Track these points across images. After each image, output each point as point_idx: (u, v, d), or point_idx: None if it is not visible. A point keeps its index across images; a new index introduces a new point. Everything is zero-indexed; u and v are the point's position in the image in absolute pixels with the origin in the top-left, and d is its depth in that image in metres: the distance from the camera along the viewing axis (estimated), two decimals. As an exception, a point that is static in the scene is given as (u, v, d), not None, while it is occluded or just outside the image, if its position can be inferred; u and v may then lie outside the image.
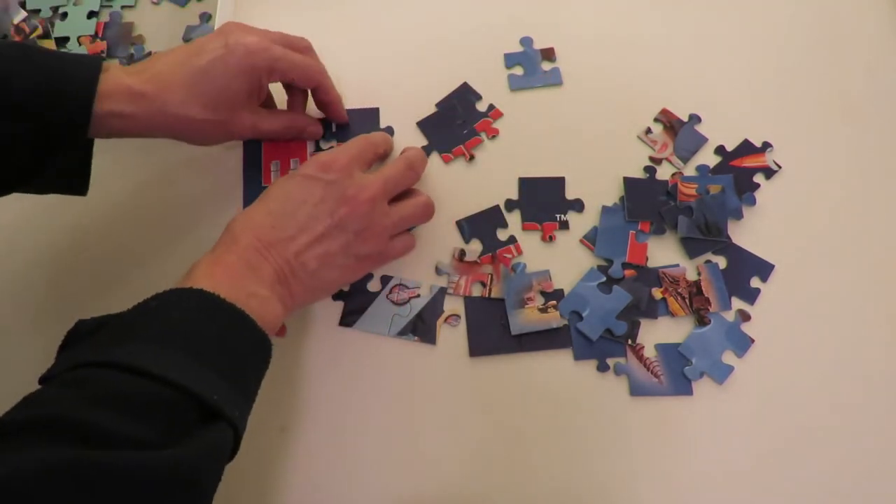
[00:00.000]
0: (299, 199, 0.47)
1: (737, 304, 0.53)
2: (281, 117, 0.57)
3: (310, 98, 0.59)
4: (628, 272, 0.54)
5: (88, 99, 0.45)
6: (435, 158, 0.58)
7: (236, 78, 0.50)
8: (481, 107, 0.60)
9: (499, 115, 0.60)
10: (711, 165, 0.57)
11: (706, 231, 0.55)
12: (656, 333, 0.53)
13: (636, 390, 0.51)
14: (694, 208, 0.55)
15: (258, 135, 0.55)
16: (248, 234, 0.46)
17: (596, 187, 0.57)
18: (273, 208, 0.48)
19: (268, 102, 0.58)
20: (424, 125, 0.60)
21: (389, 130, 0.60)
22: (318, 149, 0.59)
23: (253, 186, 0.58)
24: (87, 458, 0.31)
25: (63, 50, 0.48)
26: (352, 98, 0.61)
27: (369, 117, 0.60)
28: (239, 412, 0.38)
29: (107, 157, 0.55)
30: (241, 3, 0.66)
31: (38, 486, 0.30)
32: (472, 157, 0.58)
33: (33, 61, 0.45)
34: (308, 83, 0.56)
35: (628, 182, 0.57)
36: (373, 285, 0.55)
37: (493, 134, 0.59)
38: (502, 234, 0.56)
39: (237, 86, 0.51)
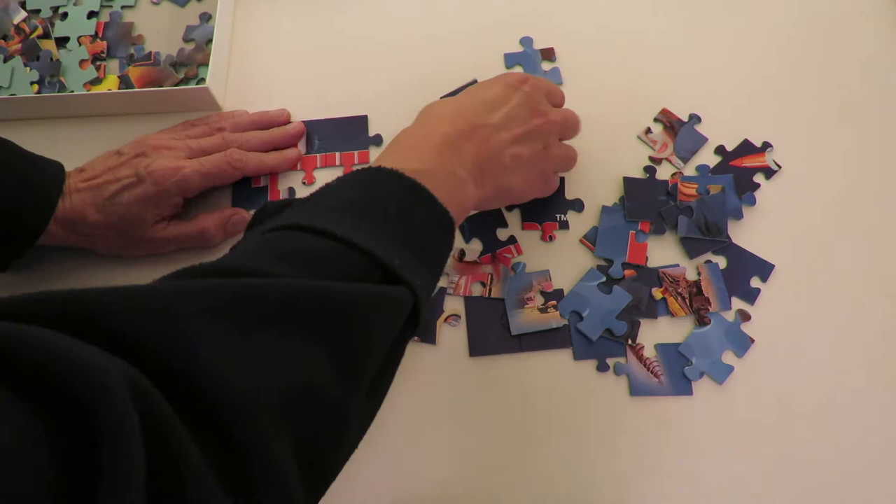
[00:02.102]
0: (499, 100, 0.49)
1: (737, 304, 0.53)
2: (195, 224, 0.56)
3: (309, 99, 0.59)
4: (628, 272, 0.54)
5: (45, 221, 0.50)
6: None
7: (143, 204, 0.52)
8: None
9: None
10: (711, 165, 0.57)
11: (706, 231, 0.55)
12: (656, 333, 0.53)
13: (636, 390, 0.51)
14: (694, 208, 0.55)
15: (172, 245, 0.55)
16: (454, 116, 0.47)
17: (596, 187, 0.57)
18: (476, 101, 0.49)
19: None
20: None
21: (377, 139, 0.60)
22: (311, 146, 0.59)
23: (242, 186, 0.59)
24: (244, 282, 0.31)
25: (32, 153, 0.52)
26: (351, 100, 0.61)
27: (358, 125, 0.60)
28: (420, 281, 0.38)
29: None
30: (241, 3, 0.66)
31: (182, 291, 0.30)
32: None
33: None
34: (230, 181, 0.57)
35: (628, 182, 0.57)
36: (373, 285, 0.55)
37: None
38: (502, 234, 0.56)
39: (144, 211, 0.52)
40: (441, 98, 0.54)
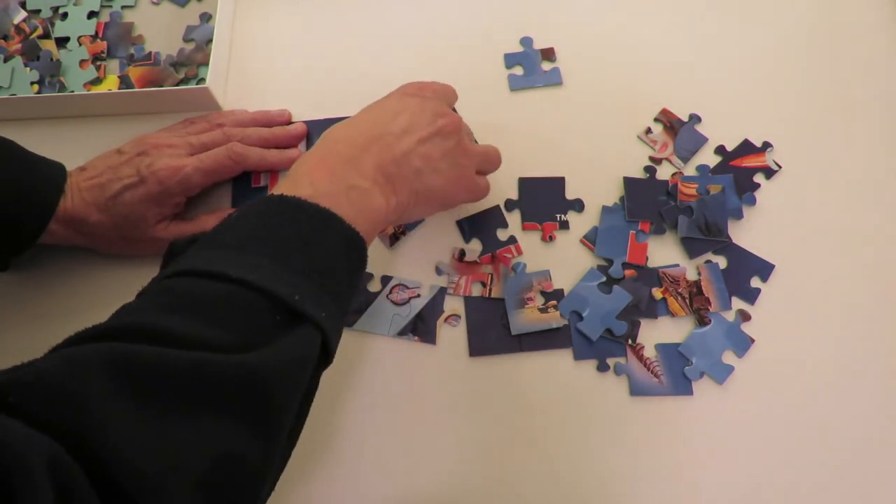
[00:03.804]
0: (398, 109, 0.48)
1: (737, 304, 0.53)
2: (195, 224, 0.56)
3: (309, 99, 0.59)
4: (628, 272, 0.54)
5: (45, 221, 0.50)
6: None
7: (145, 203, 0.52)
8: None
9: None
10: (711, 165, 0.57)
11: (706, 231, 0.55)
12: (656, 333, 0.53)
13: (636, 390, 0.51)
14: (694, 208, 0.55)
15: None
16: (349, 133, 0.46)
17: (596, 187, 0.57)
18: (374, 115, 0.48)
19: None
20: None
21: None
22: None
23: (242, 186, 0.59)
24: (145, 351, 0.31)
25: (32, 152, 0.52)
26: (351, 100, 0.61)
27: None
28: (326, 313, 0.37)
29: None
30: (241, 3, 0.66)
31: (90, 367, 0.30)
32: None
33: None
34: (231, 175, 0.57)
35: (628, 182, 0.57)
36: (373, 285, 0.55)
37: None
38: (502, 234, 0.56)
39: (146, 210, 0.52)
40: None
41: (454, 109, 0.52)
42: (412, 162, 0.46)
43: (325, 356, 0.39)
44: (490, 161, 0.53)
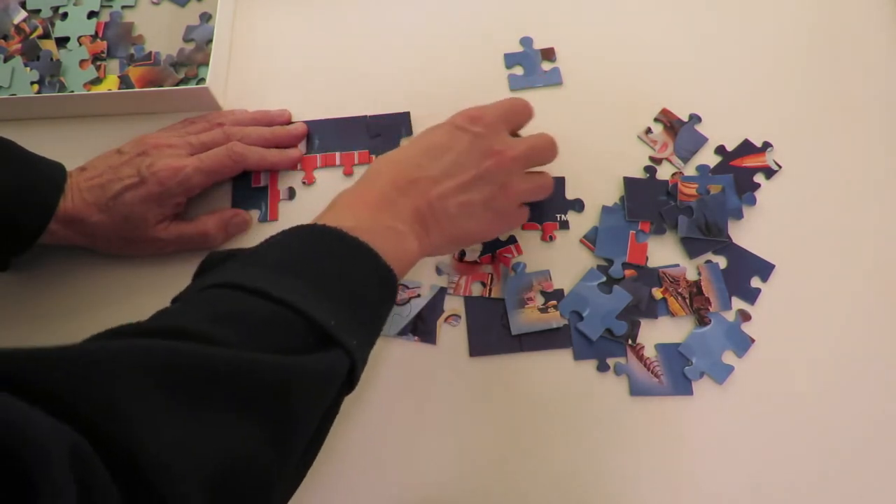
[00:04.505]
0: (446, 146, 0.48)
1: (737, 304, 0.53)
2: (196, 225, 0.56)
3: (306, 99, 0.59)
4: (628, 272, 0.54)
5: (45, 221, 0.50)
6: None
7: (146, 204, 0.52)
8: None
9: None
10: (712, 165, 0.57)
11: (706, 231, 0.55)
12: (656, 333, 0.53)
13: (636, 390, 0.51)
14: (694, 208, 0.55)
15: (173, 245, 0.55)
16: (392, 172, 0.46)
17: (596, 187, 0.57)
18: (419, 151, 0.48)
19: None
20: None
21: (378, 140, 0.60)
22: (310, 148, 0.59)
23: (242, 186, 0.59)
24: (180, 348, 0.31)
25: (31, 152, 0.52)
26: (351, 100, 0.61)
27: (357, 125, 0.60)
28: (357, 341, 0.38)
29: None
30: (241, 3, 0.66)
31: (125, 358, 0.30)
32: None
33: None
34: (232, 174, 0.57)
35: (628, 182, 0.57)
36: (373, 285, 0.55)
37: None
38: (502, 234, 0.56)
39: (146, 211, 0.52)
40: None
41: (517, 133, 0.52)
42: (448, 208, 0.46)
43: (350, 382, 0.39)
44: (539, 194, 0.53)
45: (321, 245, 0.40)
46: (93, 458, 0.26)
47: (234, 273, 0.38)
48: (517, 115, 0.52)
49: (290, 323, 0.36)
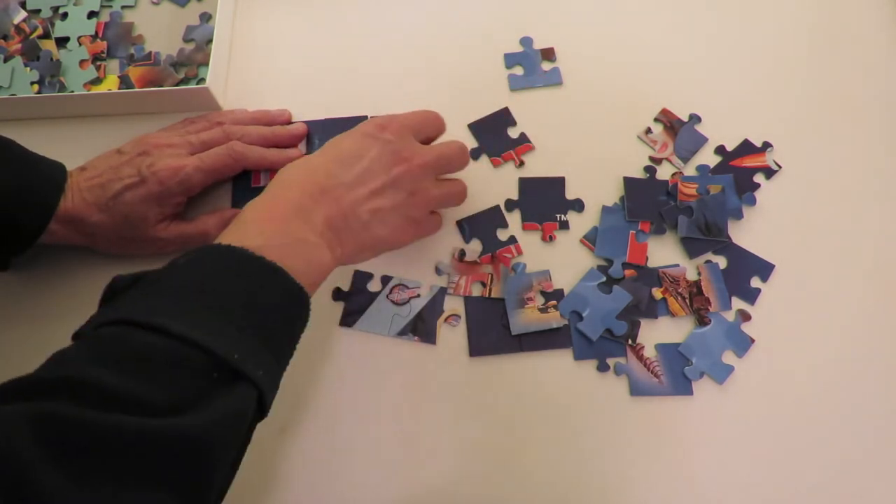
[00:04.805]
0: (356, 153, 0.47)
1: (737, 304, 0.53)
2: (196, 225, 0.56)
3: (306, 100, 0.59)
4: (628, 272, 0.54)
5: (45, 221, 0.50)
6: (484, 161, 0.58)
7: (146, 203, 0.52)
8: (513, 133, 0.59)
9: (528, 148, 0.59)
10: (712, 165, 0.57)
11: (706, 231, 0.55)
12: (656, 333, 0.53)
13: (636, 390, 0.51)
14: (694, 208, 0.55)
15: (173, 245, 0.55)
16: (303, 179, 0.46)
17: (596, 187, 0.57)
18: (329, 159, 0.47)
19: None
20: (476, 128, 0.60)
21: None
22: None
23: (242, 187, 0.59)
24: (76, 415, 0.30)
25: (32, 152, 0.52)
26: (351, 100, 0.61)
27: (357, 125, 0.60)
28: (264, 371, 0.37)
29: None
30: (241, 3, 0.66)
31: (19, 430, 0.29)
32: (521, 163, 0.58)
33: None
34: (232, 173, 0.56)
35: (628, 182, 0.57)
36: (373, 285, 0.55)
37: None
38: (502, 234, 0.56)
39: (147, 210, 0.52)
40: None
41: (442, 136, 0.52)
42: (360, 215, 0.46)
43: (261, 411, 0.39)
44: (452, 200, 0.53)
45: (227, 269, 0.39)
46: None
47: (134, 307, 0.37)
48: (426, 126, 0.52)
49: (192, 361, 0.35)
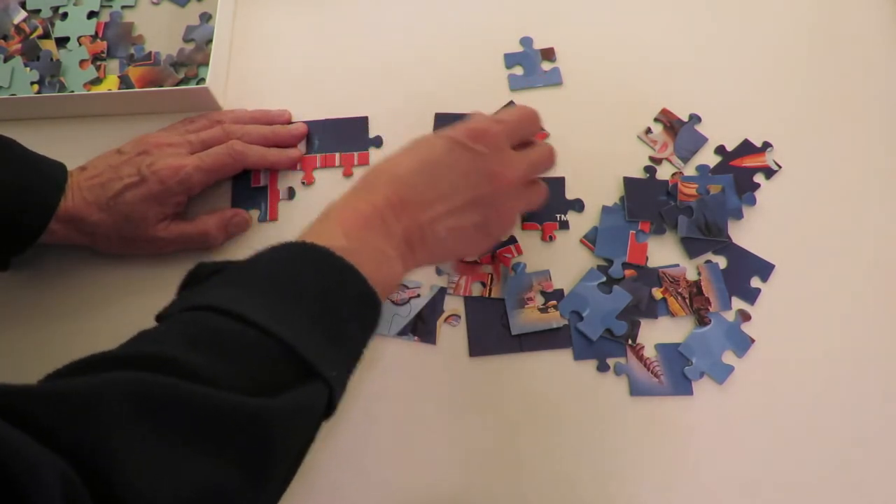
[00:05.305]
0: (444, 164, 0.46)
1: (737, 304, 0.53)
2: (196, 225, 0.56)
3: (307, 98, 0.59)
4: (628, 272, 0.54)
5: (45, 221, 0.50)
6: None
7: (147, 203, 0.52)
8: None
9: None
10: (711, 165, 0.57)
11: (706, 231, 0.55)
12: (656, 333, 0.53)
13: (636, 390, 0.51)
14: (694, 208, 0.55)
15: (173, 245, 0.55)
16: (388, 187, 0.45)
17: (596, 187, 0.57)
18: (416, 166, 0.46)
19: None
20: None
21: (378, 141, 0.60)
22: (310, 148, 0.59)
23: (242, 186, 0.59)
24: (166, 383, 0.31)
25: (33, 153, 0.52)
26: (351, 101, 0.61)
27: (358, 126, 0.60)
28: (337, 371, 0.38)
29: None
30: (241, 3, 0.66)
31: (114, 394, 0.30)
32: None
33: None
34: (232, 173, 0.57)
35: (628, 182, 0.57)
36: (373, 285, 0.55)
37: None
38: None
39: (147, 210, 0.52)
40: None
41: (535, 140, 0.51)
42: (438, 232, 0.45)
43: (329, 409, 0.39)
44: (530, 208, 0.52)
45: (309, 264, 0.40)
46: (81, 488, 0.27)
47: (219, 294, 0.37)
48: (524, 127, 0.51)
49: (272, 354, 0.35)
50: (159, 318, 0.38)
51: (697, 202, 0.56)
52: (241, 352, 0.35)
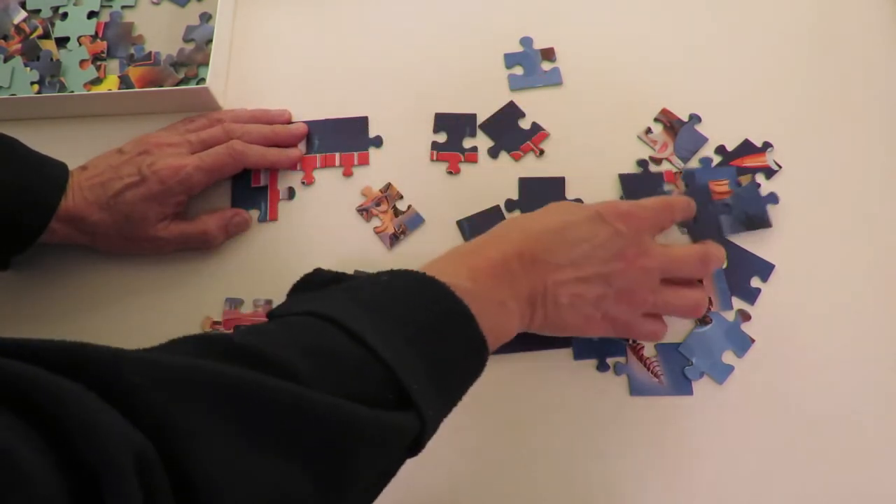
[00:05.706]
0: (582, 234, 0.46)
1: (737, 304, 0.53)
2: (196, 225, 0.56)
3: (307, 99, 0.59)
4: (628, 272, 0.54)
5: (46, 221, 0.50)
6: (504, 157, 0.58)
7: (147, 202, 0.52)
8: (524, 124, 0.59)
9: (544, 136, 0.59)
10: (712, 166, 0.57)
11: (750, 224, 0.54)
12: (656, 333, 0.53)
13: (636, 390, 0.51)
14: (731, 204, 0.55)
15: (174, 245, 0.55)
16: (522, 241, 0.45)
17: (596, 187, 0.57)
18: (555, 228, 0.46)
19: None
20: (487, 127, 0.59)
21: (378, 141, 0.60)
22: (309, 147, 0.59)
23: (241, 186, 0.59)
24: (266, 384, 0.31)
25: (36, 152, 0.52)
26: (351, 101, 0.61)
27: (358, 126, 0.60)
28: (433, 411, 0.37)
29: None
30: (241, 3, 0.66)
31: (212, 386, 0.30)
32: (541, 152, 0.58)
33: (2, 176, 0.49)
34: (233, 172, 0.57)
35: (623, 179, 0.57)
36: (373, 285, 0.55)
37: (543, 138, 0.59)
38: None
39: (147, 209, 0.52)
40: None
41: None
42: (559, 297, 0.45)
43: (415, 447, 0.39)
44: (675, 310, 0.49)
45: (430, 300, 0.40)
46: (158, 466, 0.27)
47: (338, 307, 0.38)
48: (669, 216, 0.50)
49: (376, 374, 0.36)
50: (273, 315, 0.39)
51: (732, 198, 0.55)
52: (349, 371, 0.35)
